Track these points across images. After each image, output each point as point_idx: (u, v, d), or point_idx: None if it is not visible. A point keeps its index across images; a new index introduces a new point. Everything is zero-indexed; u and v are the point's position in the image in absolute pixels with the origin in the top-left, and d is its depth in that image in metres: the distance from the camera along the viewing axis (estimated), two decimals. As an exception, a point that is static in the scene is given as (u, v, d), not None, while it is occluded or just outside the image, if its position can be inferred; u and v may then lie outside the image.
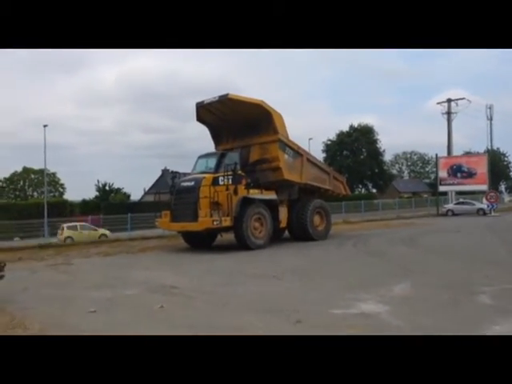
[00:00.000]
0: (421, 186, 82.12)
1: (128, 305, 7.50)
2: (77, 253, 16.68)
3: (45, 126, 31.90)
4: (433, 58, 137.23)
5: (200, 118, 17.57)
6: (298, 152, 17.29)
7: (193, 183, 15.38)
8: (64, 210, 35.88)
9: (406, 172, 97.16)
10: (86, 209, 38.05)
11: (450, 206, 36.78)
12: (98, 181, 50.13)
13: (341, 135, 63.46)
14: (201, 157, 16.99)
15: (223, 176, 15.10)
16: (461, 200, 38.36)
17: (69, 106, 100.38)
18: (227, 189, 14.97)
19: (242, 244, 15.08)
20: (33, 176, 55.48)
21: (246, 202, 15.21)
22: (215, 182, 15.05)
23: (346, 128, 64.33)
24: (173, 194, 16.33)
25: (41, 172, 53.12)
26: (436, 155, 39.60)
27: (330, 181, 19.24)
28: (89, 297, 8.25)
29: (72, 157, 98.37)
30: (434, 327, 5.36)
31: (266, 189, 16.33)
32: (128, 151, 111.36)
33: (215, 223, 14.37)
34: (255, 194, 15.76)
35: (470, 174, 37.18)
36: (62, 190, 58.06)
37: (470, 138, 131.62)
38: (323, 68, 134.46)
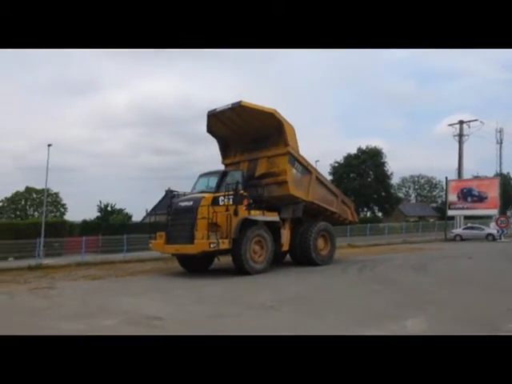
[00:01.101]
0: (428, 210, 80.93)
1: (100, 339, 6.50)
2: (64, 275, 15.93)
3: (49, 145, 31.19)
4: (440, 82, 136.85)
5: (210, 129, 16.76)
6: (307, 168, 16.37)
7: (191, 203, 14.42)
8: (62, 230, 35.06)
9: (412, 196, 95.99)
10: (86, 229, 37.26)
11: (459, 230, 35.56)
12: (100, 201, 49.30)
13: (348, 158, 62.58)
14: (202, 175, 16.06)
15: (224, 196, 14.16)
16: (469, 225, 37.13)
17: (80, 129, 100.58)
18: (227, 209, 14.01)
19: (240, 269, 14.03)
20: (35, 195, 54.84)
21: (247, 223, 14.23)
22: (215, 201, 14.11)
23: (353, 151, 63.62)
24: (170, 215, 15.37)
25: (43, 192, 52.60)
26: (446, 178, 38.49)
27: (337, 204, 18.16)
28: (60, 328, 7.30)
29: (81, 179, 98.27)
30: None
31: (268, 210, 15.40)
32: (138, 173, 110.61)
33: (212, 246, 13.35)
34: (257, 215, 14.78)
35: (480, 198, 36.01)
36: (63, 210, 57.41)
37: (478, 164, 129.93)
38: (331, 92, 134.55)
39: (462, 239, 33.57)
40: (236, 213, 13.99)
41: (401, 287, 10.80)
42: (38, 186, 54.61)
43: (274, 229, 15.13)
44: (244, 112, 15.26)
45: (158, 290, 11.76)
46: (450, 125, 40.88)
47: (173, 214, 14.98)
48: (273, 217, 15.36)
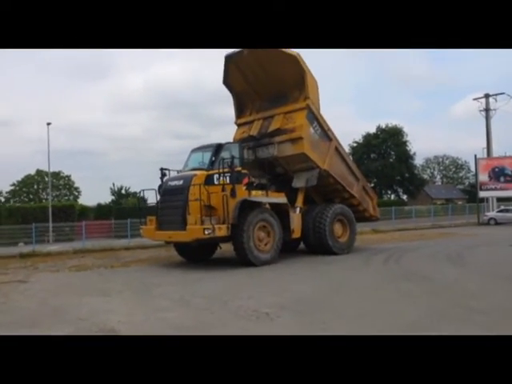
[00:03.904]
0: (455, 193, 77.61)
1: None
2: (51, 264, 14.52)
3: (48, 123, 29.69)
4: (456, 61, 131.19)
5: (227, 80, 14.82)
6: (326, 133, 14.25)
7: (181, 182, 12.38)
8: (72, 214, 33.70)
9: (438, 177, 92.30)
10: (100, 213, 35.97)
11: (492, 213, 32.80)
12: (114, 184, 47.98)
13: (368, 137, 59.70)
14: (194, 150, 13.88)
15: (219, 173, 12.07)
16: (504, 207, 34.25)
17: (97, 112, 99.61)
18: (223, 189, 11.94)
19: (243, 259, 12.00)
20: (47, 179, 53.74)
21: (248, 205, 12.12)
22: (209, 180, 12.04)
23: (372, 131, 60.62)
24: (160, 196, 13.33)
25: (55, 175, 51.49)
26: (475, 156, 35.41)
27: (357, 188, 15.69)
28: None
29: (100, 162, 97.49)
30: None
31: (275, 190, 13.27)
32: (156, 157, 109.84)
33: (207, 232, 11.31)
34: (259, 195, 12.63)
35: (515, 178, 33.03)
36: (76, 193, 56.20)
37: (502, 145, 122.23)
38: (347, 72, 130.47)
39: (497, 223, 30.93)
40: (233, 193, 11.87)
41: (437, 287, 8.54)
42: (52, 169, 53.58)
43: (281, 212, 12.98)
44: (263, 55, 13.26)
45: (141, 286, 9.85)
46: (476, 99, 37.42)
47: (163, 196, 12.96)
48: (279, 198, 13.19)
